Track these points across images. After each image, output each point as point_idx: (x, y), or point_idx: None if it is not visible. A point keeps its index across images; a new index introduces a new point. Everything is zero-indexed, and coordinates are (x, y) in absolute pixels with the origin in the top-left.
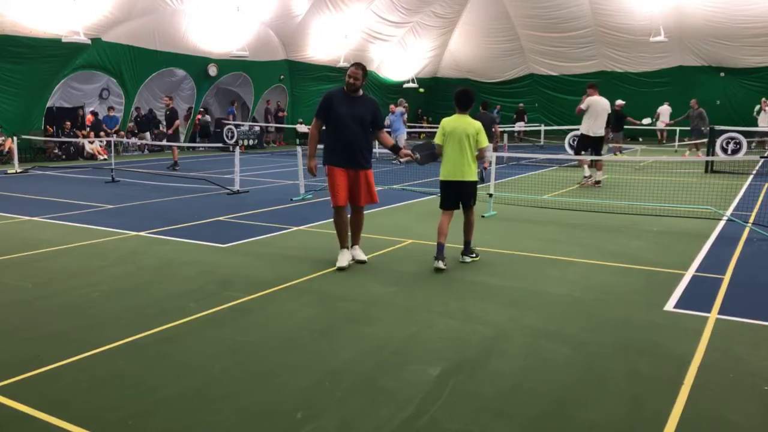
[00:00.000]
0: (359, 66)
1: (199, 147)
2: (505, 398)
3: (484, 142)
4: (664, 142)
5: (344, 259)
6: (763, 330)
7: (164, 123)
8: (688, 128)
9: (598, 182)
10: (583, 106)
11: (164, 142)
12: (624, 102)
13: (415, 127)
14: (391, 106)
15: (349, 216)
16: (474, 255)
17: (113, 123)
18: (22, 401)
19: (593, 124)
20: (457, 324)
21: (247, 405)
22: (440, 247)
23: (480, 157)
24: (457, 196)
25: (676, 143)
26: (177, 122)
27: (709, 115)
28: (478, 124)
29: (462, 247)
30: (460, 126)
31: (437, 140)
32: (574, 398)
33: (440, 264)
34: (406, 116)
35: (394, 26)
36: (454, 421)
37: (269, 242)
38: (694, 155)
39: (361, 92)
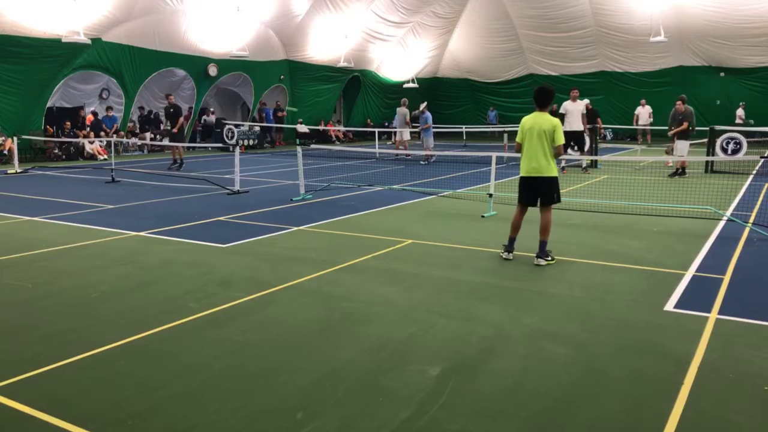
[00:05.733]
0: None
1: (198, 147)
2: (505, 398)
3: (560, 139)
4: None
5: None
6: (763, 330)
7: (164, 121)
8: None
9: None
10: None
11: (166, 142)
12: (588, 100)
13: (415, 126)
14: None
15: None
16: (549, 258)
17: (111, 123)
18: (22, 401)
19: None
20: (457, 324)
21: (247, 405)
22: (511, 240)
23: (557, 155)
24: (535, 192)
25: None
26: (181, 119)
27: (709, 115)
28: (555, 121)
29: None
30: (537, 123)
31: (517, 138)
32: (574, 398)
33: (506, 255)
34: (408, 117)
35: (394, 26)
36: (454, 421)
37: (269, 242)
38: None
39: None
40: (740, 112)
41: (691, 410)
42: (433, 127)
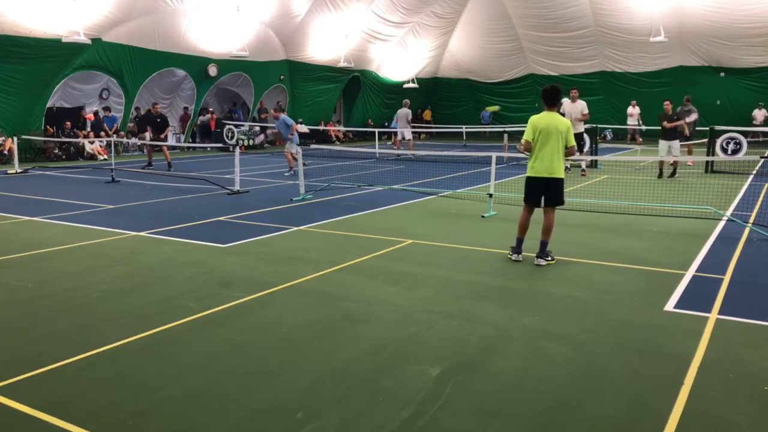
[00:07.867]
0: None
1: (198, 147)
2: (505, 398)
3: (572, 140)
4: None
5: None
6: (763, 330)
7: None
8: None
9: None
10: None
11: (153, 142)
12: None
13: (416, 126)
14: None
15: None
16: (550, 258)
17: (110, 123)
18: (22, 401)
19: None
20: (457, 324)
21: (247, 405)
22: (518, 241)
23: (568, 155)
24: (543, 192)
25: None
26: (168, 129)
27: (709, 115)
28: (567, 122)
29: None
30: (552, 123)
31: (527, 137)
32: (574, 398)
33: (515, 257)
34: (409, 117)
35: (394, 26)
36: (454, 421)
37: (269, 242)
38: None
39: None
40: (757, 113)
41: (691, 410)
42: (435, 127)
